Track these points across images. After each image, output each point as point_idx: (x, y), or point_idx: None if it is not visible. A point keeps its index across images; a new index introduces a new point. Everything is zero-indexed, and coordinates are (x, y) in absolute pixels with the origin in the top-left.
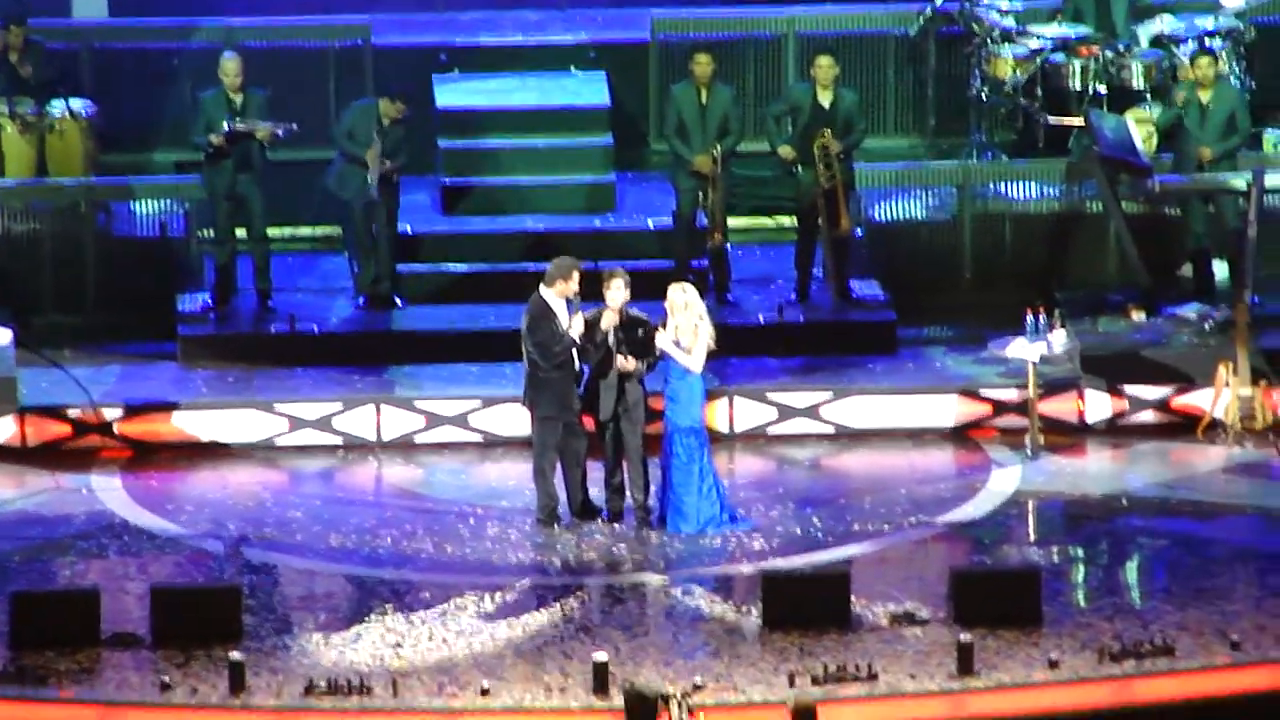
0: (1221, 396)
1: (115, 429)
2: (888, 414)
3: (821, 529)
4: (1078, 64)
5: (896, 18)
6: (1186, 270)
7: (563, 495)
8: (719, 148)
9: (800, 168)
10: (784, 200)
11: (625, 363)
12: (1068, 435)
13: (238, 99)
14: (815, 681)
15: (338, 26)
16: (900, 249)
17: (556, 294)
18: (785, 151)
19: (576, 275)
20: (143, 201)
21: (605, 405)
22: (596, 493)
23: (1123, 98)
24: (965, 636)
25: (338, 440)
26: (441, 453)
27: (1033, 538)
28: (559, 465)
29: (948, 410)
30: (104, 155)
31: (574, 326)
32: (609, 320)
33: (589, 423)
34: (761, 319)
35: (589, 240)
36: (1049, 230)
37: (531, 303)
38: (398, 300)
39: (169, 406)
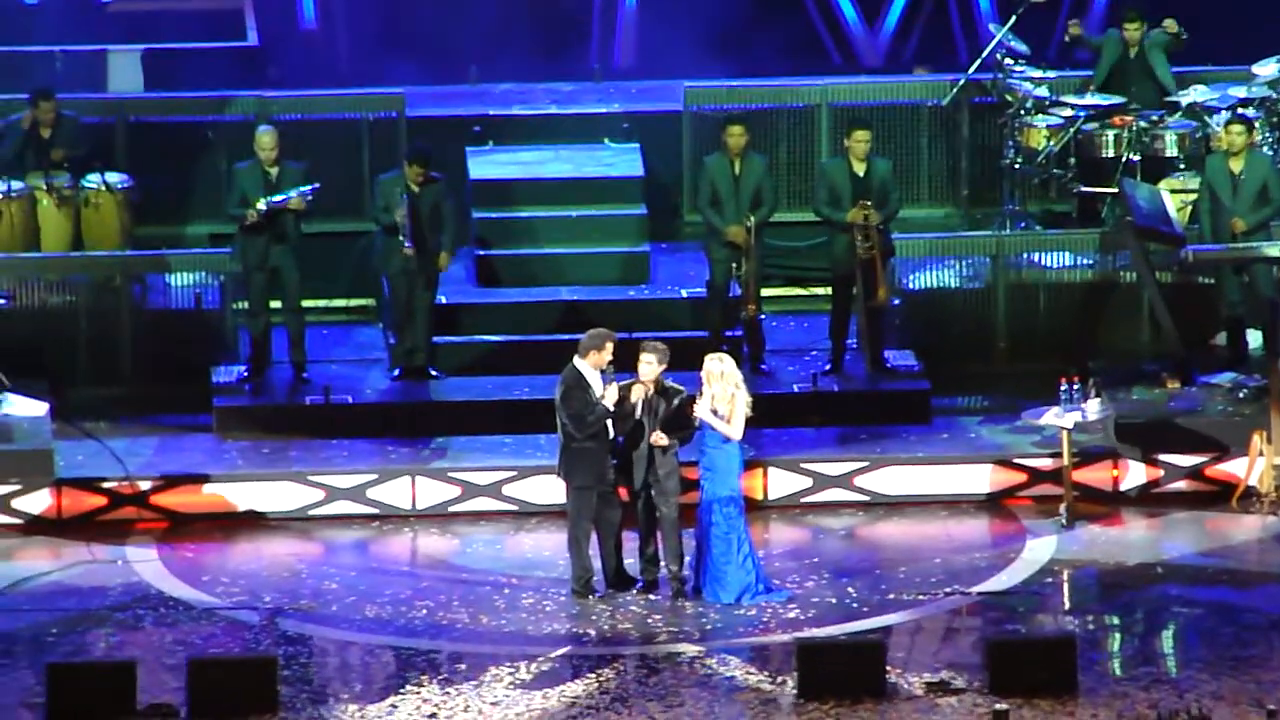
0: (1256, 465)
1: (151, 500)
2: (922, 483)
3: (857, 598)
4: (1111, 133)
5: (929, 88)
6: (1220, 339)
7: (598, 565)
8: (752, 218)
9: (837, 237)
10: (817, 270)
11: (659, 438)
12: (1102, 504)
13: (273, 171)
14: None
15: (372, 98)
16: (934, 318)
17: (590, 365)
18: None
19: (610, 346)
20: (178, 274)
21: (637, 475)
22: (631, 563)
23: (1156, 167)
24: (1001, 705)
25: (373, 511)
26: (477, 523)
27: (1068, 606)
28: (594, 535)
29: (982, 479)
30: (139, 228)
31: (608, 397)
32: (638, 393)
33: (623, 493)
34: (796, 389)
35: (623, 310)
36: (1083, 300)
37: (565, 373)
38: (432, 371)
39: (204, 478)
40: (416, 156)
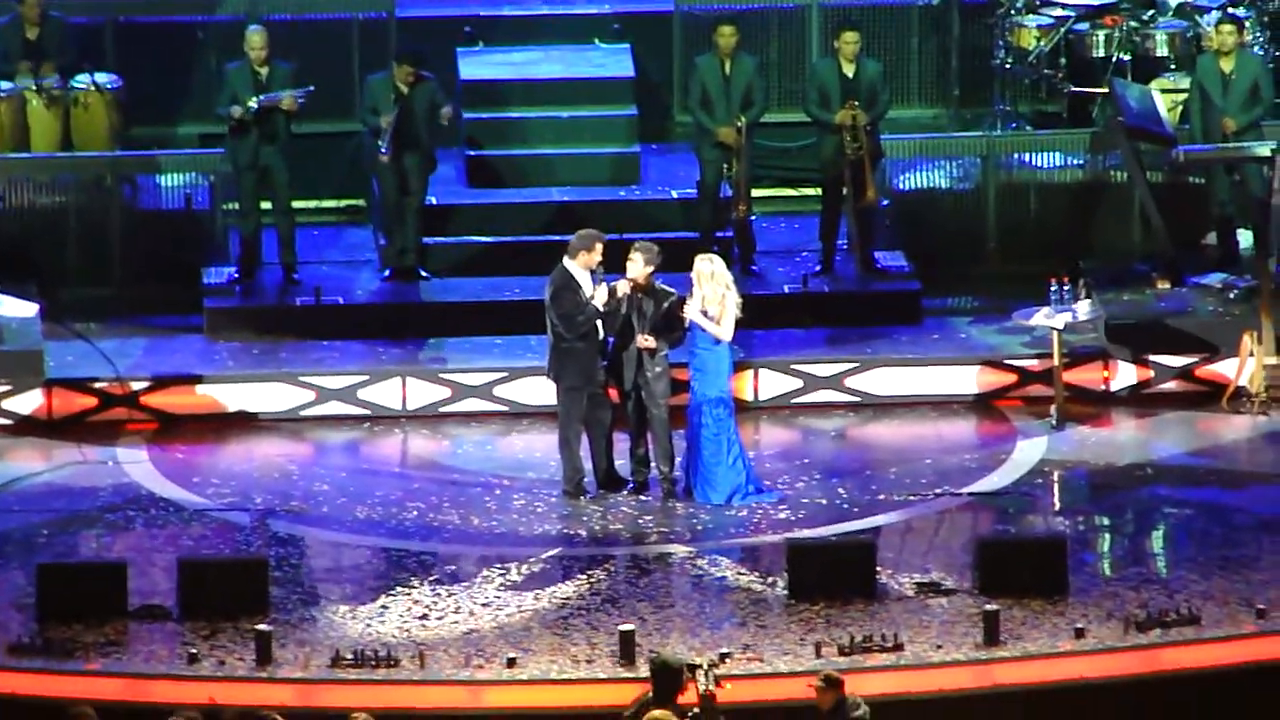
0: (1246, 366)
1: (141, 401)
2: (913, 384)
3: (847, 499)
4: (1101, 33)
5: None
6: (1211, 239)
7: (588, 466)
8: (743, 119)
9: (826, 138)
10: (808, 171)
11: (645, 340)
12: (1092, 404)
13: (263, 71)
14: (842, 652)
15: None
16: (924, 219)
17: (580, 265)
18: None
19: (600, 247)
20: (168, 174)
21: (627, 376)
22: (622, 464)
23: (1147, 67)
24: (991, 606)
25: (364, 412)
26: (467, 424)
27: (1058, 507)
28: (584, 436)
29: (972, 380)
30: (129, 128)
31: (598, 297)
32: (623, 288)
33: (614, 394)
34: (786, 290)
35: (613, 211)
36: (1073, 200)
37: (555, 274)
38: (423, 272)
39: (195, 379)
40: (405, 56)
